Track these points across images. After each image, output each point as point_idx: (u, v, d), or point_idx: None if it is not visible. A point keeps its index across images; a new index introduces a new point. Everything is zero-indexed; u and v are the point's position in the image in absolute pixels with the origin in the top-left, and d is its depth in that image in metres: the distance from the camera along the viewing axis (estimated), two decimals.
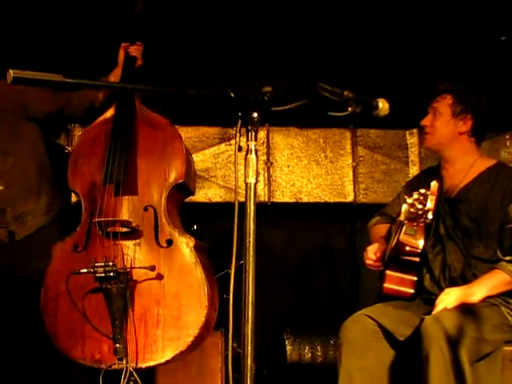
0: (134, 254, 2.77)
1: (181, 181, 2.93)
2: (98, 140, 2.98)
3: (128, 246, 2.78)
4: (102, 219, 2.78)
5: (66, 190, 3.17)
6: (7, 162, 3.13)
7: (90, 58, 3.69)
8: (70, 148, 3.97)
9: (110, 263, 2.65)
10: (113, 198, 2.84)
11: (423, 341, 2.38)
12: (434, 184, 2.11)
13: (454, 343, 2.34)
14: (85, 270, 2.65)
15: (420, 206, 2.09)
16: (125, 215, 2.82)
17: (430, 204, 2.07)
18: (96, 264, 2.65)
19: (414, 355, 2.45)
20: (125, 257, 2.74)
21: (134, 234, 2.79)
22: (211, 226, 4.01)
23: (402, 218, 2.18)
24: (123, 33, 3.21)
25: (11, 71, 1.37)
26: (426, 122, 2.76)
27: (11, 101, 3.12)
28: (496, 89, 3.91)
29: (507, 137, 4.08)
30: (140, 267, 2.72)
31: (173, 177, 2.92)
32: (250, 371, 1.62)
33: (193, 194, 3.19)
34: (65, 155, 3.80)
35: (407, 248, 2.50)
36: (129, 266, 2.71)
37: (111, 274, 2.62)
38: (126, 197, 2.85)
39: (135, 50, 3.18)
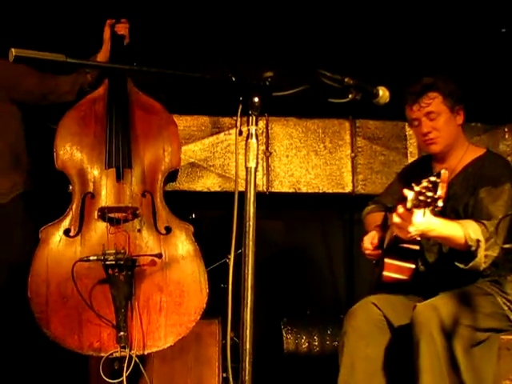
0: (136, 240, 2.72)
1: (177, 167, 2.93)
2: (88, 119, 2.89)
3: (130, 233, 2.73)
4: (112, 205, 2.71)
5: (38, 175, 3.14)
6: None
7: (74, 37, 3.63)
8: None
9: (122, 250, 2.60)
10: (115, 183, 2.78)
11: (414, 328, 2.39)
12: (444, 172, 2.07)
13: (445, 330, 2.35)
14: (94, 257, 2.57)
15: (430, 194, 2.05)
16: (126, 201, 2.76)
17: (441, 192, 2.04)
18: (107, 251, 2.59)
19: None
20: (130, 244, 2.69)
21: (134, 220, 2.74)
22: (209, 216, 4.01)
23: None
24: (106, 11, 3.15)
25: (13, 50, 1.36)
26: (427, 128, 2.64)
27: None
28: (495, 82, 3.93)
29: (506, 129, 4.08)
30: (147, 255, 2.68)
31: (170, 163, 2.89)
32: (248, 355, 1.63)
33: (174, 180, 3.15)
34: None
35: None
36: (135, 253, 2.66)
37: (121, 262, 2.56)
38: (127, 182, 2.80)
39: (122, 28, 3.10)
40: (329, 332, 3.68)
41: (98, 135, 2.85)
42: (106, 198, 2.77)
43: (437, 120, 2.64)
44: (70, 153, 2.84)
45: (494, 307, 2.52)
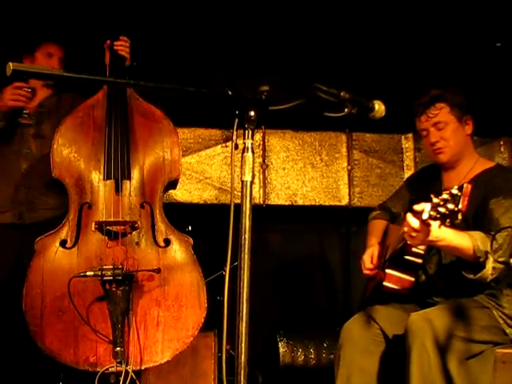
0: (134, 255, 2.66)
1: (177, 178, 2.85)
2: (86, 126, 2.81)
3: (128, 246, 2.66)
4: (111, 220, 2.65)
5: None
6: (44, 149, 3.12)
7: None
8: None
9: (119, 266, 2.54)
10: (113, 195, 2.71)
11: (407, 337, 2.39)
12: (466, 186, 2.06)
13: (439, 341, 2.35)
14: (91, 273, 2.51)
15: (451, 206, 2.04)
16: (124, 214, 2.69)
17: (462, 205, 2.04)
18: (104, 267, 2.52)
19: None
20: (128, 258, 2.63)
21: (132, 233, 2.68)
22: (205, 228, 4.01)
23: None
24: (104, 28, 3.06)
25: (11, 64, 1.37)
26: (435, 137, 2.65)
27: (67, 107, 3.13)
28: (490, 95, 3.95)
29: (501, 142, 4.10)
30: (145, 270, 2.61)
31: (170, 172, 2.82)
32: (243, 369, 1.62)
33: (174, 188, 3.05)
34: None
35: (413, 249, 2.53)
36: (133, 268, 2.60)
37: (119, 278, 2.50)
38: (125, 193, 2.73)
39: (122, 48, 2.98)
40: (325, 345, 3.68)
41: (96, 143, 2.79)
42: (103, 210, 2.71)
43: (444, 130, 2.65)
44: (67, 161, 2.77)
45: (490, 320, 2.51)
